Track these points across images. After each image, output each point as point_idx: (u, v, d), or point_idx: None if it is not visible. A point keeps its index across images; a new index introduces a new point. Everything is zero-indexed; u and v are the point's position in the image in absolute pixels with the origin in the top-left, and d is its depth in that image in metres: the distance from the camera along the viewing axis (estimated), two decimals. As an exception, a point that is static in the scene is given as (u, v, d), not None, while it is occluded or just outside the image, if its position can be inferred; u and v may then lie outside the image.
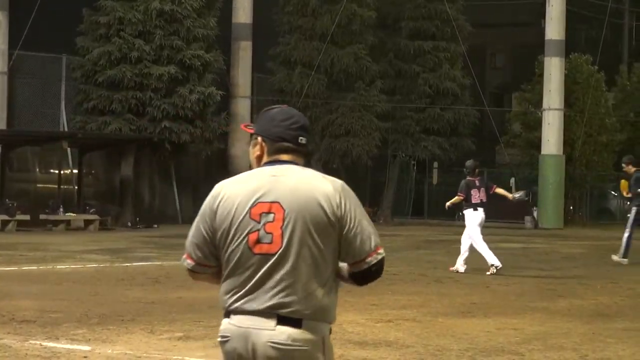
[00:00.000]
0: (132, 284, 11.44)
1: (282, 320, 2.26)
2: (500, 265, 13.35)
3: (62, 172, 25.58)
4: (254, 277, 2.30)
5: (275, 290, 2.28)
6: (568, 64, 31.13)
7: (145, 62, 24.31)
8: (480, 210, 13.43)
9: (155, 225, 23.81)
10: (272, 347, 2.25)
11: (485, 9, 37.94)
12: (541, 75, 30.61)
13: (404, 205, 34.16)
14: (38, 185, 27.15)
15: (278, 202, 2.30)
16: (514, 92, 36.03)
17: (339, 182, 2.42)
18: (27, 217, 22.17)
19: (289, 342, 2.26)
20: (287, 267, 2.29)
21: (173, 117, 24.68)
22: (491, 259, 13.43)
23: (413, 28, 31.25)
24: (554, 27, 29.88)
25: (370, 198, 30.34)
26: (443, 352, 6.59)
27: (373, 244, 2.35)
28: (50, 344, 6.97)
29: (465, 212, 13.78)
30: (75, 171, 26.02)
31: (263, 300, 2.29)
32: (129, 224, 23.86)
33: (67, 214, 23.20)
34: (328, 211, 2.30)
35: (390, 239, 20.72)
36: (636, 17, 42.67)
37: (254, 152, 2.48)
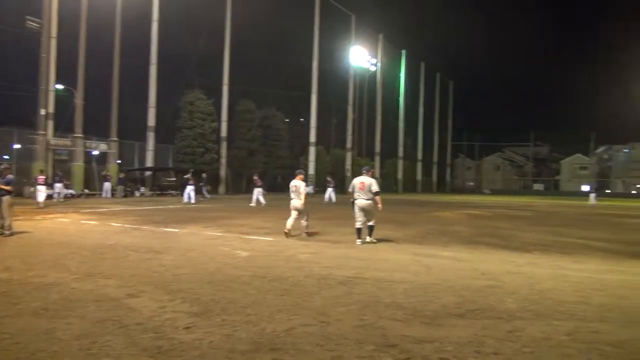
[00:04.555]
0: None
1: (366, 199, 13.93)
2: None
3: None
4: (360, 192, 13.87)
5: (364, 195, 13.83)
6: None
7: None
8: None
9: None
10: (366, 204, 13.83)
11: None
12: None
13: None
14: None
15: (363, 182, 13.80)
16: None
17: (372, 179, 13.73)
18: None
19: (368, 204, 13.87)
20: (366, 191, 13.79)
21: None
22: None
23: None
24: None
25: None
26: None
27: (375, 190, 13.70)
28: (167, 228, 15.13)
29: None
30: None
31: (364, 197, 13.84)
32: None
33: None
34: (371, 184, 13.80)
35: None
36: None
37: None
